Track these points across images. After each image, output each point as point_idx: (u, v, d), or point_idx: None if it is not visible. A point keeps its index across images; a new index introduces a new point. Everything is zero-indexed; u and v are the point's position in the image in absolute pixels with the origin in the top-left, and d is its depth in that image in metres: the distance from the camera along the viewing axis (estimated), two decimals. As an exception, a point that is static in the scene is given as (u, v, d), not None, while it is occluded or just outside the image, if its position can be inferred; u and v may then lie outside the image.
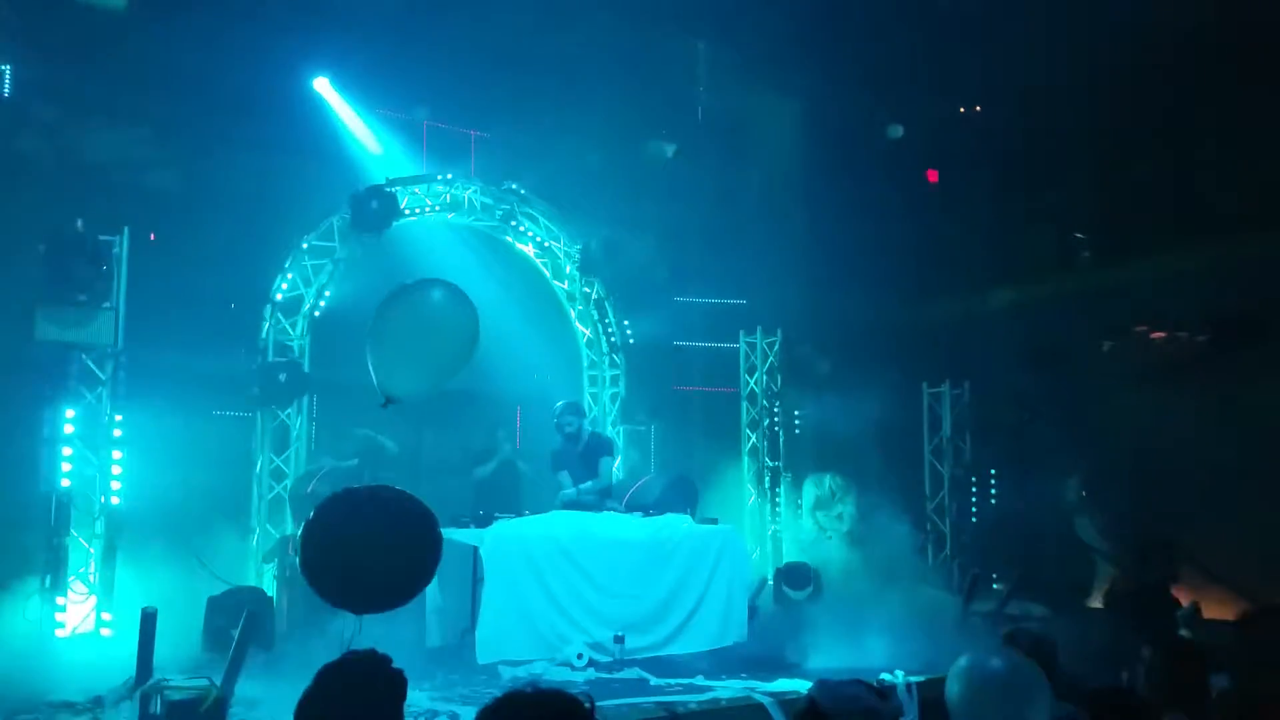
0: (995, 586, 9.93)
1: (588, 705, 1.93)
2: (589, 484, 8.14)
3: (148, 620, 5.76)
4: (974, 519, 11.37)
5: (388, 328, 5.62)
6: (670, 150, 11.20)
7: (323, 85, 9.30)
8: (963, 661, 3.08)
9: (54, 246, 7.16)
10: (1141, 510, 9.94)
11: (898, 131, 11.84)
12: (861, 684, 2.45)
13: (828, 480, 11.11)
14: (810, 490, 11.23)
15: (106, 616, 7.30)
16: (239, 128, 8.57)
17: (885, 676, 6.55)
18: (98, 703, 5.88)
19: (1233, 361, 10.23)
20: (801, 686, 6.46)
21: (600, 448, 8.38)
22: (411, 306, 5.72)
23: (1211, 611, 8.16)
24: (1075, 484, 9.91)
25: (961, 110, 13.18)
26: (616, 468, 8.67)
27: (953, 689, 3.01)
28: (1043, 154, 11.96)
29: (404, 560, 4.36)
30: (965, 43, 10.85)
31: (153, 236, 8.56)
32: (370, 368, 5.77)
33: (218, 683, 5.27)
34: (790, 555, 10.90)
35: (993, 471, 11.54)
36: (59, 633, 7.08)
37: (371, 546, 4.23)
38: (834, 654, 7.20)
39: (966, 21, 10.54)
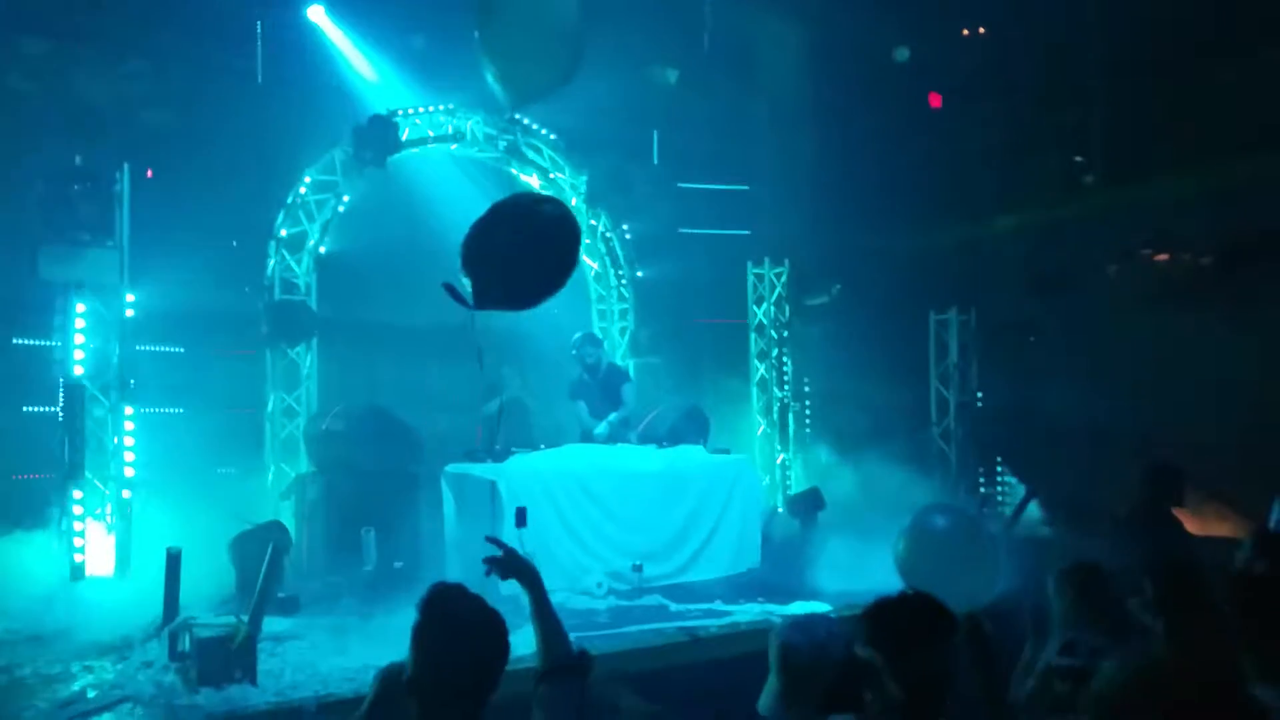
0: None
1: None
2: (614, 415, 8.18)
3: (173, 560, 5.77)
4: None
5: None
6: (673, 76, 10.97)
7: (317, 14, 9.04)
8: (907, 522, 3.10)
9: (52, 184, 6.98)
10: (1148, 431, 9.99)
11: (904, 54, 11.61)
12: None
13: None
14: None
15: (124, 558, 7.30)
16: (236, 60, 8.37)
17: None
18: (126, 642, 5.92)
19: (1239, 283, 10.20)
20: (818, 608, 6.55)
21: (619, 377, 8.41)
22: None
23: (1212, 530, 8.24)
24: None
25: (966, 33, 12.94)
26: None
27: (899, 547, 3.03)
28: (1049, 76, 11.78)
29: (552, 255, 4.58)
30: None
31: (150, 173, 8.41)
32: (492, 80, 5.48)
33: (245, 619, 5.28)
34: (799, 484, 10.97)
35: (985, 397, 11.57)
36: (77, 575, 7.08)
37: (524, 247, 4.44)
38: (846, 577, 7.27)
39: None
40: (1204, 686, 1.85)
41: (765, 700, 2.40)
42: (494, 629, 2.27)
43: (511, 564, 2.77)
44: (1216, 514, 9.25)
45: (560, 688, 2.41)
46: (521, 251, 4.44)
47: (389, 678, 2.27)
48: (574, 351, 8.33)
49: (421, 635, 2.22)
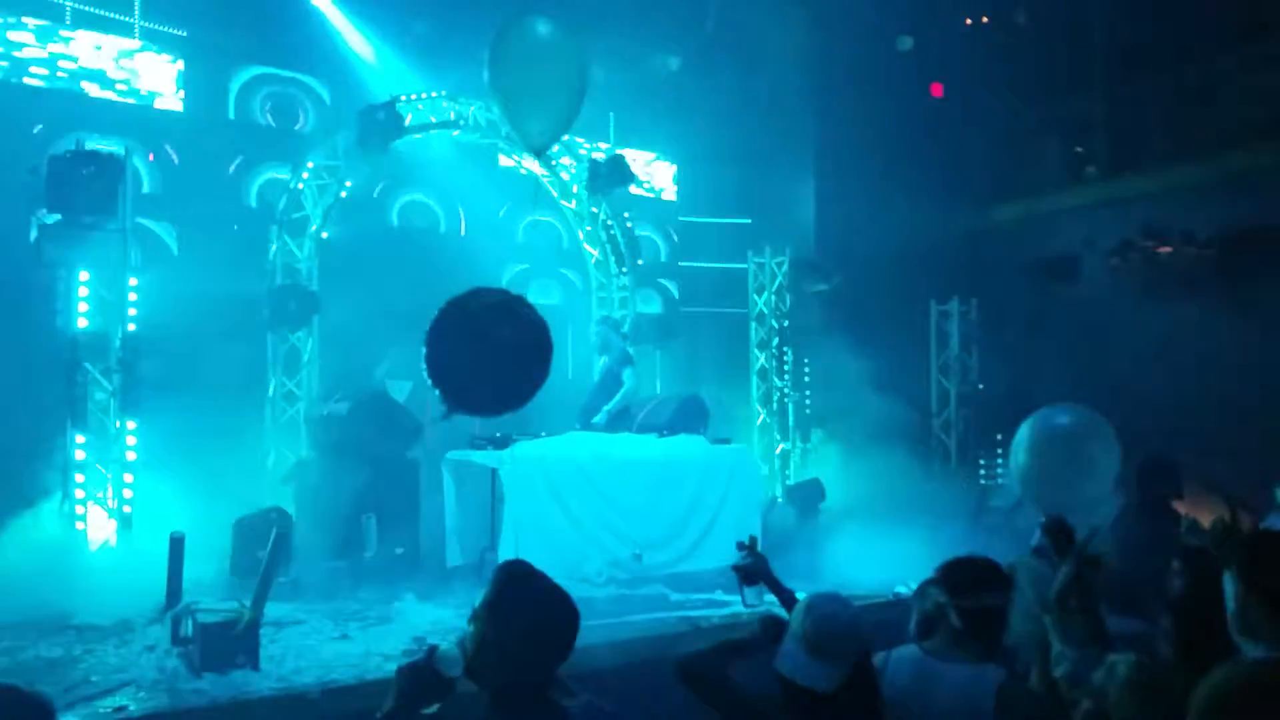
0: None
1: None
2: (611, 404, 8.17)
3: (176, 545, 5.77)
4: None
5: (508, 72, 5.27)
6: (675, 63, 10.95)
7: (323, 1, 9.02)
8: (1024, 430, 3.22)
9: (56, 165, 6.95)
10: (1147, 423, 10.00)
11: (908, 43, 11.59)
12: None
13: None
14: None
15: (125, 542, 7.30)
16: (240, 44, 8.31)
17: (900, 589, 6.67)
18: (126, 625, 5.93)
19: (1240, 273, 10.22)
20: (818, 600, 6.57)
21: (621, 360, 8.40)
22: (524, 44, 5.32)
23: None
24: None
25: (969, 22, 12.92)
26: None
27: (1019, 458, 3.13)
28: (1050, 66, 11.77)
29: (521, 361, 4.43)
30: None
31: (151, 156, 8.39)
32: (504, 118, 5.57)
33: (247, 604, 5.28)
34: (798, 474, 10.99)
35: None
36: (80, 555, 7.08)
37: (489, 350, 4.32)
38: (846, 567, 7.29)
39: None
40: None
41: (788, 662, 2.55)
42: (566, 604, 2.31)
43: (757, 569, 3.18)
44: (1214, 507, 9.28)
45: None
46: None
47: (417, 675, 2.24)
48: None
49: (495, 612, 2.23)
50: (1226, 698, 2.00)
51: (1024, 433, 2.96)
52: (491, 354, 4.41)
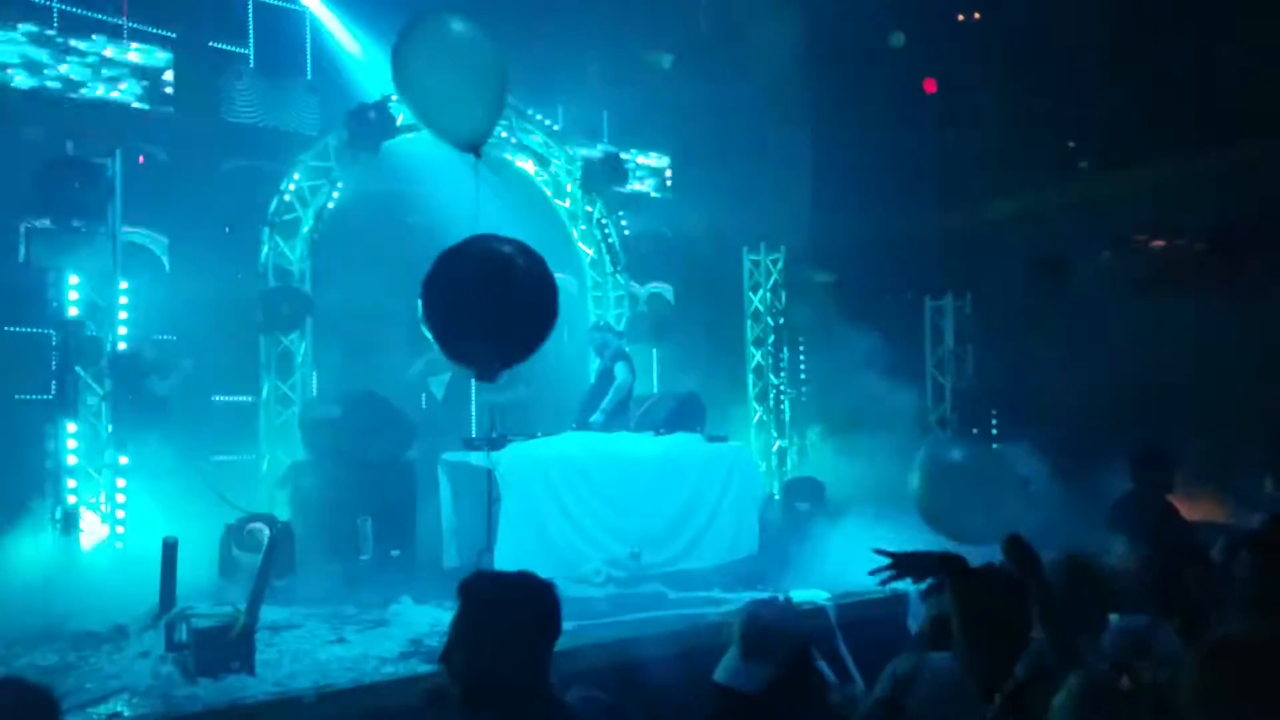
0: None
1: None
2: (605, 402, 8.14)
3: (169, 550, 5.72)
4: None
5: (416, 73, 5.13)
6: (668, 62, 10.92)
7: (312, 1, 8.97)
8: (920, 455, 3.12)
9: (45, 170, 6.91)
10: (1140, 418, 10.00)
11: (899, 40, 11.59)
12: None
13: None
14: None
15: (119, 546, 7.26)
16: (230, 45, 8.27)
17: (897, 586, 6.63)
18: (120, 631, 5.87)
19: (1234, 269, 10.23)
20: (817, 597, 6.55)
21: (613, 358, 8.36)
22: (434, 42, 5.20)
23: (1204, 515, 8.28)
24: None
25: (960, 18, 12.93)
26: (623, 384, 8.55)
27: (913, 482, 3.03)
28: (1043, 61, 11.77)
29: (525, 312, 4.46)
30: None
31: (141, 159, 8.32)
32: (420, 121, 5.44)
33: (242, 609, 5.24)
34: (795, 471, 10.97)
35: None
36: (73, 561, 7.03)
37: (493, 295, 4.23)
38: (843, 565, 7.25)
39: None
40: None
41: (722, 668, 2.53)
42: (534, 583, 2.28)
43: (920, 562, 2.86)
44: (1209, 499, 9.28)
45: None
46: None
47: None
48: None
49: (473, 624, 2.20)
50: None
51: (919, 459, 2.91)
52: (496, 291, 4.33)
